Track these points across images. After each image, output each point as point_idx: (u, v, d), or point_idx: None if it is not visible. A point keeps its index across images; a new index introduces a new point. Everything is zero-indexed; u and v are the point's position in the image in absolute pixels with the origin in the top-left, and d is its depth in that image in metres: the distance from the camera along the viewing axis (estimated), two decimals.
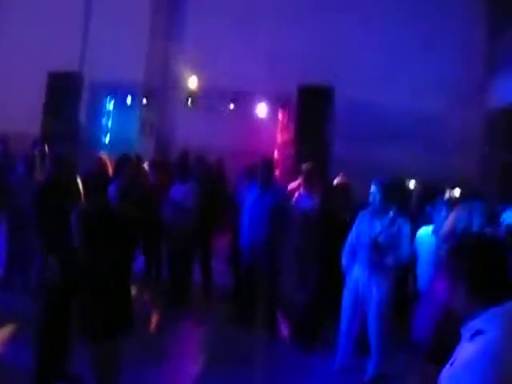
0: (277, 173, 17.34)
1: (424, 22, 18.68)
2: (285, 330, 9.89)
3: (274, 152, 18.85)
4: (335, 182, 10.82)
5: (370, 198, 8.21)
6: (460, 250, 3.38)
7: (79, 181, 7.68)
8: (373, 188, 8.17)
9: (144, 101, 20.38)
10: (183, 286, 10.78)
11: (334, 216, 9.21)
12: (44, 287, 6.82)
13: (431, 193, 10.54)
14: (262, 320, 9.33)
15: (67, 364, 7.04)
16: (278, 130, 19.52)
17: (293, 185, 11.58)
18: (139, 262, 10.78)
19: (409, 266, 8.19)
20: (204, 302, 11.29)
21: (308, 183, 10.60)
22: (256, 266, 9.81)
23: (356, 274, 8.24)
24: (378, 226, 8.06)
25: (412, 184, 12.15)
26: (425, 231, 8.05)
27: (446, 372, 3.23)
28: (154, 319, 10.00)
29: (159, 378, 7.79)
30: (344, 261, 8.40)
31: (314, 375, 8.28)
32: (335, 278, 8.52)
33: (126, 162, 10.17)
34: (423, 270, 7.75)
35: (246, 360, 8.22)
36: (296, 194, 10.68)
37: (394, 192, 8.17)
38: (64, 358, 6.97)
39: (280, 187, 10.81)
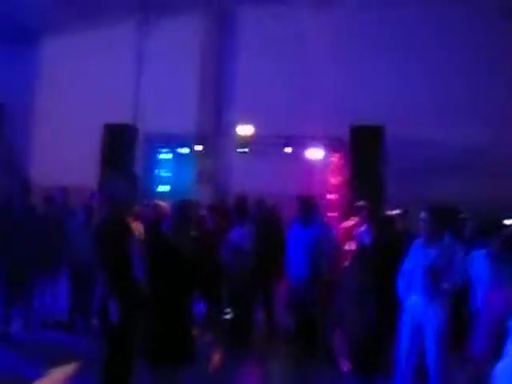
0: (332, 215, 17.37)
1: (470, 53, 18.62)
2: (345, 364, 9.83)
3: (327, 194, 18.84)
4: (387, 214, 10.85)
5: (422, 226, 8.22)
6: None
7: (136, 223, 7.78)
8: (423, 215, 8.20)
9: (198, 149, 20.54)
10: (244, 328, 10.80)
11: (388, 246, 9.21)
12: (108, 328, 6.93)
13: (486, 223, 10.48)
14: (323, 356, 9.34)
15: None
16: (332, 171, 19.51)
17: (348, 223, 11.64)
18: (200, 306, 10.90)
19: (464, 288, 8.17)
20: (266, 343, 11.26)
21: (366, 219, 10.66)
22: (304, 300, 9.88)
23: (412, 303, 8.21)
24: (431, 253, 8.05)
25: (466, 214, 12.04)
26: (479, 253, 8.09)
27: (500, 366, 3.27)
28: (216, 358, 9.98)
29: None
30: (400, 290, 8.39)
31: None
32: (391, 309, 8.50)
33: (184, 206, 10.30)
34: (478, 289, 7.80)
35: None
36: (355, 232, 10.70)
37: (444, 217, 8.18)
38: None
39: (321, 221, 10.91)
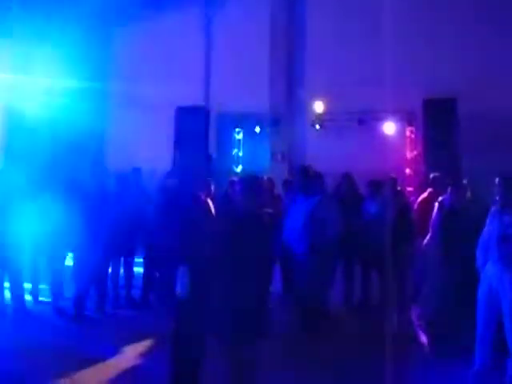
0: (409, 189, 17.28)
1: None
2: (422, 336, 9.78)
3: (403, 169, 18.68)
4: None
5: (496, 193, 8.13)
6: None
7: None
8: (497, 181, 8.11)
9: (272, 128, 20.58)
10: (320, 303, 10.75)
11: (466, 216, 9.13)
12: (176, 299, 6.86)
13: None
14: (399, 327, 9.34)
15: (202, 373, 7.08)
16: (406, 145, 19.34)
17: (423, 196, 11.63)
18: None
19: None
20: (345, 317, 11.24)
21: (442, 190, 10.56)
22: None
23: (489, 271, 8.11)
24: (506, 220, 7.93)
25: None
26: None
27: None
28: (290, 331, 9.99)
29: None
30: (478, 259, 8.30)
31: (455, 379, 8.14)
32: (469, 279, 8.41)
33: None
34: None
35: (383, 368, 8.15)
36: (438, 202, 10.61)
37: None
38: (199, 369, 7.03)
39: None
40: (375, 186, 11.56)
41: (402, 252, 10.58)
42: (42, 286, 11.60)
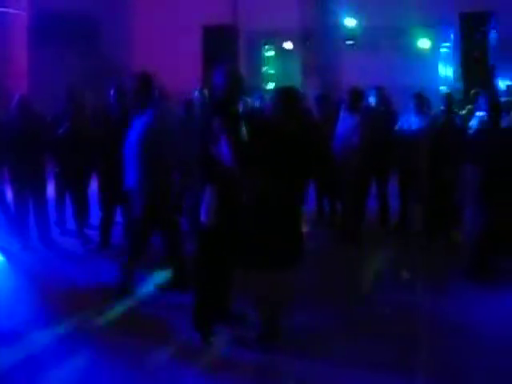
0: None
1: None
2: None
3: (439, 85, 18.42)
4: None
5: None
6: None
7: None
8: None
9: (303, 44, 20.24)
10: (356, 221, 10.59)
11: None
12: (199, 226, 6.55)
13: None
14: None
15: (230, 302, 6.76)
16: (442, 62, 19.04)
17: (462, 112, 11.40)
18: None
19: None
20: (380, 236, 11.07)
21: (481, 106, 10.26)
22: None
23: None
24: None
25: None
26: None
27: None
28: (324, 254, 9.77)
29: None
30: None
31: (497, 310, 7.91)
32: None
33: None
34: None
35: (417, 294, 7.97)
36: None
37: None
38: (227, 297, 6.68)
39: None
40: (420, 99, 11.10)
41: (445, 173, 10.31)
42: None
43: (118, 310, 7.41)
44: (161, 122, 7.54)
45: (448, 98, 11.03)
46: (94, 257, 9.69)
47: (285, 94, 6.14)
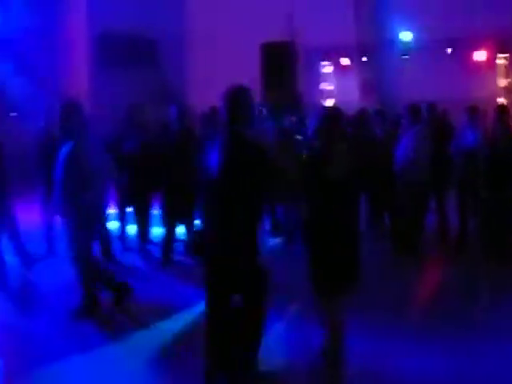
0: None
1: None
2: None
3: (495, 97, 18.27)
4: None
5: None
6: None
7: None
8: None
9: (360, 60, 20.35)
10: (414, 235, 10.59)
11: None
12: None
13: None
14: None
15: None
16: (499, 73, 18.89)
17: None
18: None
19: None
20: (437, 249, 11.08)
21: None
22: None
23: None
24: None
25: None
26: None
27: None
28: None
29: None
30: None
31: None
32: None
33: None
34: None
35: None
36: None
37: None
38: None
39: None
40: (473, 112, 10.97)
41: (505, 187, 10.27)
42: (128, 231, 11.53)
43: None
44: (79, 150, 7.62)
45: (501, 110, 10.79)
46: (156, 273, 9.86)
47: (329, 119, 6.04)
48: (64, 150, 7.52)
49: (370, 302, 7.47)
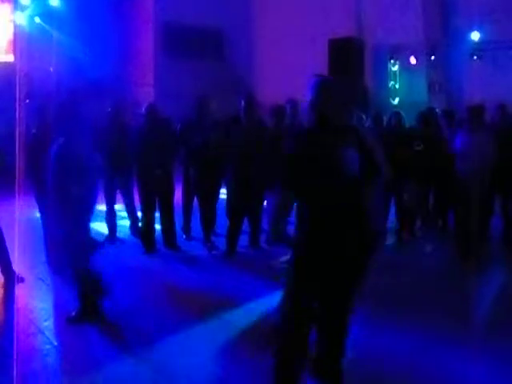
0: None
1: None
2: None
3: None
4: None
5: None
6: None
7: None
8: None
9: (428, 59, 20.12)
10: (473, 238, 10.42)
11: None
12: None
13: None
14: None
15: None
16: None
17: None
18: None
19: None
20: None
21: None
22: None
23: None
24: None
25: None
26: None
27: None
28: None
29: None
30: None
31: None
32: None
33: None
34: None
35: None
36: None
37: None
38: None
39: None
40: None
41: None
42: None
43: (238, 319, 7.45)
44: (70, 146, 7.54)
45: None
46: (219, 263, 9.87)
47: None
48: (55, 146, 7.47)
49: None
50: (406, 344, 6.40)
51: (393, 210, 11.26)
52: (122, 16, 21.26)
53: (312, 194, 4.97)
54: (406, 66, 20.52)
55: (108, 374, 5.93)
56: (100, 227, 11.00)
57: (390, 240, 10.96)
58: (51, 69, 19.44)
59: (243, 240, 10.52)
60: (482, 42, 19.20)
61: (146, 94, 20.40)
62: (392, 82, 20.79)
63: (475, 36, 19.37)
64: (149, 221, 10.43)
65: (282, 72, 20.66)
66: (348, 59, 19.20)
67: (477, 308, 7.94)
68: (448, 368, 5.98)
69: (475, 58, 19.51)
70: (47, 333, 6.92)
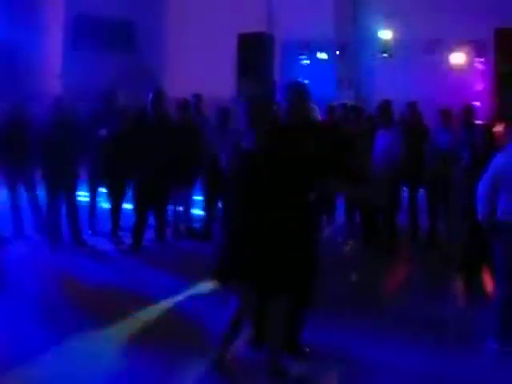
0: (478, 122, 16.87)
1: None
2: None
3: (471, 101, 18.30)
4: None
5: None
6: None
7: None
8: None
9: (338, 55, 20.27)
10: (389, 233, 10.64)
11: None
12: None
13: None
14: None
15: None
16: (476, 77, 18.91)
17: (497, 128, 11.26)
18: None
19: None
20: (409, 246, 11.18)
21: None
22: None
23: None
24: None
25: None
26: None
27: None
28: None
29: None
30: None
31: None
32: None
33: None
34: None
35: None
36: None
37: None
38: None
39: None
40: (446, 115, 11.09)
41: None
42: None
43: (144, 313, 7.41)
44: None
45: (467, 112, 11.04)
46: (126, 258, 9.82)
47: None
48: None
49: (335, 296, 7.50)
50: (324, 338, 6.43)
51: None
52: (30, 7, 20.83)
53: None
54: (315, 61, 20.58)
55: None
56: (4, 223, 10.65)
57: None
58: None
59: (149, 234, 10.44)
60: (391, 40, 19.40)
61: (52, 86, 19.98)
62: (301, 77, 20.86)
63: (385, 34, 19.54)
64: (54, 216, 10.28)
65: (192, 65, 20.52)
66: (257, 54, 19.19)
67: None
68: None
69: (385, 55, 19.69)
70: None
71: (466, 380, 5.93)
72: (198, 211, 11.85)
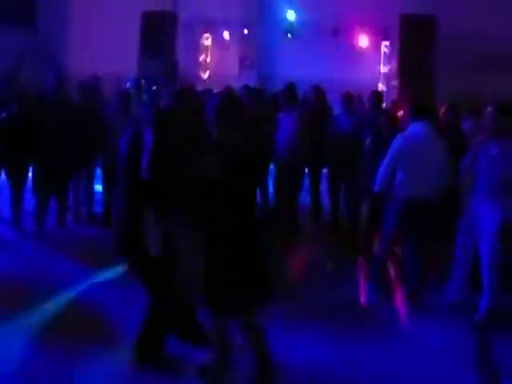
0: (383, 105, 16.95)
1: None
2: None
3: (377, 84, 18.47)
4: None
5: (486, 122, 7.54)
6: None
7: None
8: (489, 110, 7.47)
9: (242, 35, 20.08)
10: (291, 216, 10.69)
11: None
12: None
13: None
14: None
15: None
16: (381, 61, 19.02)
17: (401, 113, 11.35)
18: None
19: None
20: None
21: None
22: None
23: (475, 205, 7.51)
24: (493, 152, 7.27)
25: None
26: None
27: None
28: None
29: None
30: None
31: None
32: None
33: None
34: None
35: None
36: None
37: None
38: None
39: None
40: (349, 99, 10.99)
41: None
42: None
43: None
44: None
45: (375, 96, 11.19)
46: (27, 244, 9.61)
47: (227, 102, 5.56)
48: None
49: None
50: None
51: None
52: None
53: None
54: (219, 40, 20.35)
55: None
56: None
57: None
58: None
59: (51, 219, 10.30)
60: (297, 22, 19.30)
61: None
62: (203, 56, 20.65)
63: (291, 15, 19.41)
64: None
65: (94, 43, 19.96)
66: (161, 33, 18.94)
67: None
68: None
69: (289, 36, 19.59)
70: None
71: (378, 363, 6.10)
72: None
